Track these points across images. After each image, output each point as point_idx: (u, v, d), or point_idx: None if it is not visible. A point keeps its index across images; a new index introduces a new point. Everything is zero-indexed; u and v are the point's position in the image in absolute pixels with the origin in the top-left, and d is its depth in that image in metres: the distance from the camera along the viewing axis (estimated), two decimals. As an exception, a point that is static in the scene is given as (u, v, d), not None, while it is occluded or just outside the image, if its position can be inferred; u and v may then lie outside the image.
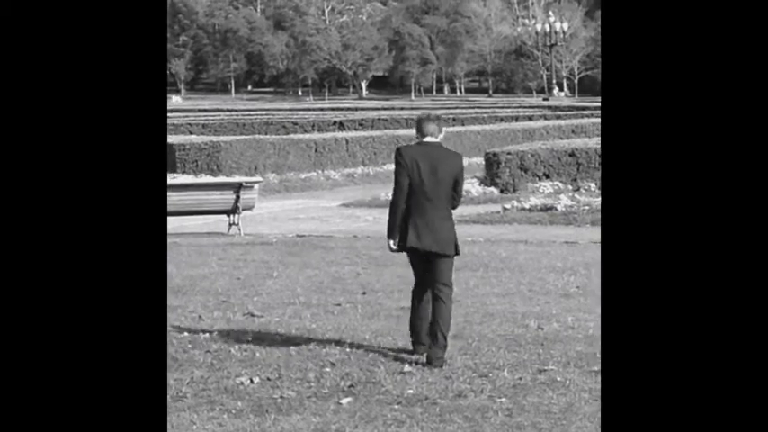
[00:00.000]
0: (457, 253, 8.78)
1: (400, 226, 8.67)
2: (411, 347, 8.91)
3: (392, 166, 9.25)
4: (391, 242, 8.79)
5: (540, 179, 24.89)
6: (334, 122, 44.34)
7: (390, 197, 8.86)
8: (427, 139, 8.76)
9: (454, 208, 8.87)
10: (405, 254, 8.92)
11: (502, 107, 62.99)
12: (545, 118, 47.28)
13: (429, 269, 8.72)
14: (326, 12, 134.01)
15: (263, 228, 19.52)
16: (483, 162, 26.86)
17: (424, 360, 8.57)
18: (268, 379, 8.01)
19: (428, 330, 8.63)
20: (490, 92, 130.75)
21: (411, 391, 7.61)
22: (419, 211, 8.60)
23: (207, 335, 9.55)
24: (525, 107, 63.21)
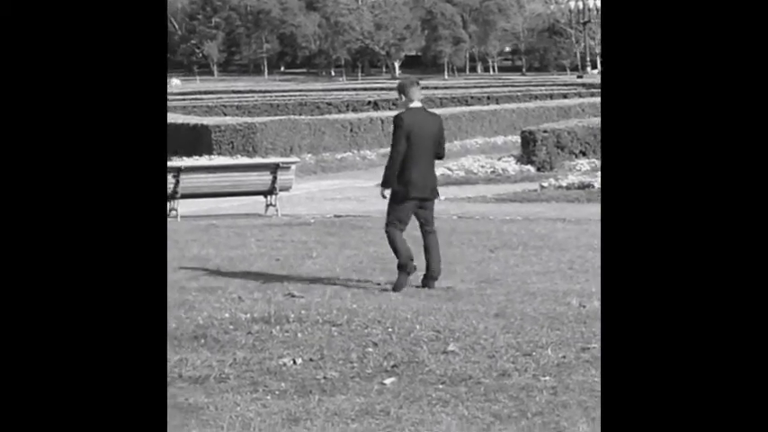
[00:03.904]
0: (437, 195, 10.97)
1: (401, 176, 10.46)
2: (410, 274, 10.69)
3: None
4: (385, 191, 10.63)
5: (576, 157, 24.80)
6: (369, 102, 44.23)
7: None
8: (415, 104, 10.62)
9: (441, 158, 10.95)
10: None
11: (536, 85, 62.65)
12: (580, 95, 46.97)
13: (422, 212, 10.73)
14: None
15: (301, 208, 19.53)
16: (519, 140, 26.75)
17: (421, 278, 10.76)
18: (311, 360, 8.00)
19: (426, 260, 10.73)
20: (524, 70, 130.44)
21: (455, 371, 7.58)
22: (417, 165, 10.49)
23: (248, 316, 9.55)
24: (559, 85, 62.76)
